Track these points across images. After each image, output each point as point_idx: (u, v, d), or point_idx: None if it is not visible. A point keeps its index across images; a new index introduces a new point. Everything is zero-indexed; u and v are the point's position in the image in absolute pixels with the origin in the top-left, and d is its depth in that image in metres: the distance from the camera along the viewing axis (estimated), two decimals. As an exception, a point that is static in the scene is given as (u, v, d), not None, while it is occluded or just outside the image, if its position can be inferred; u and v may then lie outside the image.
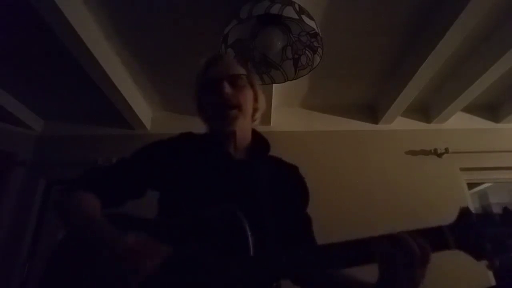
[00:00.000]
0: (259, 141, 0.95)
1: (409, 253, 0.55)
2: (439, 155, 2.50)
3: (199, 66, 0.94)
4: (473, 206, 2.51)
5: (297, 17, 1.41)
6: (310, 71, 1.72)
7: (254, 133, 0.96)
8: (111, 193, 0.83)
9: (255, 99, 0.93)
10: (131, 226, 0.74)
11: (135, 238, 0.63)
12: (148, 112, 2.69)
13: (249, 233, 0.66)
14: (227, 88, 0.84)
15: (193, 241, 0.68)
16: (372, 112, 2.73)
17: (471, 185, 2.74)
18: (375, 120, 2.70)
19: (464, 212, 0.58)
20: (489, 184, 3.89)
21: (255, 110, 0.94)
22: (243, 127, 0.90)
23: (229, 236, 0.67)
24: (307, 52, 1.69)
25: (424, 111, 2.71)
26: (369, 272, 0.63)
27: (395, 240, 0.58)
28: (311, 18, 1.49)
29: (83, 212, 0.75)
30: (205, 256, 0.64)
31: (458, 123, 2.65)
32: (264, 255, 0.64)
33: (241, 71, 0.90)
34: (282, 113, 2.64)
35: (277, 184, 0.87)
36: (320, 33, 1.53)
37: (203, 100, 0.92)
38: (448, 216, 0.59)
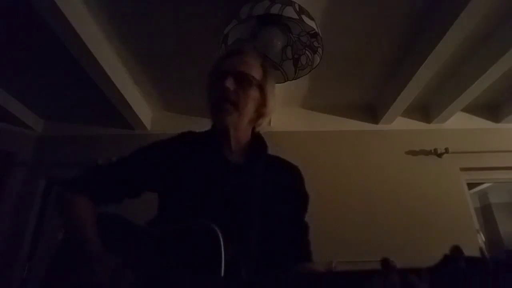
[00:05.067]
0: (258, 143, 0.94)
1: None
2: (439, 155, 2.50)
3: (220, 53, 0.94)
4: (473, 206, 2.50)
5: (297, 17, 1.41)
6: (310, 71, 1.72)
7: (254, 135, 0.94)
8: (108, 191, 0.84)
9: (264, 104, 0.90)
10: (117, 232, 0.78)
11: (108, 265, 0.65)
12: (148, 112, 2.69)
13: (223, 252, 0.64)
14: (229, 83, 0.84)
15: (170, 254, 0.68)
16: (372, 112, 2.73)
17: (471, 185, 2.74)
18: (375, 120, 2.70)
19: (452, 255, 0.48)
20: (489, 184, 3.90)
21: (260, 114, 0.91)
22: (239, 127, 0.88)
23: (204, 252, 0.65)
24: (307, 52, 1.69)
25: (424, 111, 2.71)
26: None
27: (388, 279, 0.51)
28: (311, 18, 1.49)
29: (75, 215, 0.77)
30: (177, 273, 0.64)
31: (458, 123, 2.65)
32: (234, 277, 0.63)
33: (254, 72, 0.88)
34: (282, 113, 2.64)
35: (273, 189, 0.85)
36: (320, 33, 1.53)
37: (209, 87, 0.91)
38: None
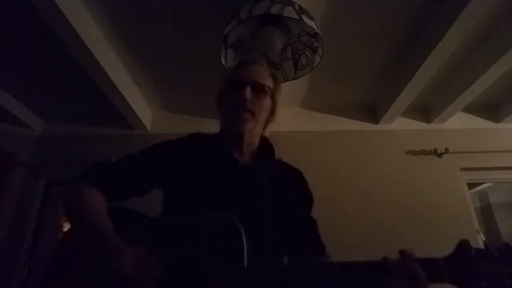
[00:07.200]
0: (265, 146, 0.98)
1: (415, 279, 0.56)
2: (439, 155, 2.50)
3: (234, 62, 1.01)
4: (473, 206, 2.50)
5: (297, 17, 1.41)
6: (310, 71, 1.72)
7: (262, 139, 0.99)
8: (116, 188, 0.84)
9: (272, 112, 0.97)
10: (133, 224, 0.77)
11: (134, 256, 0.64)
12: (148, 112, 2.69)
13: (245, 242, 0.66)
14: (248, 94, 0.89)
15: (190, 245, 0.69)
16: (372, 112, 2.73)
17: (471, 185, 2.74)
18: (375, 120, 2.70)
19: (463, 245, 0.57)
20: (489, 184, 3.89)
21: (268, 121, 0.98)
22: (252, 133, 0.93)
23: (225, 243, 0.67)
24: (307, 52, 1.69)
25: (424, 111, 2.71)
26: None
27: (402, 265, 0.58)
28: (311, 18, 1.49)
29: (88, 206, 0.75)
30: (200, 262, 0.65)
31: (458, 123, 2.65)
32: (257, 265, 0.64)
33: (267, 82, 0.94)
34: (282, 113, 2.62)
35: (281, 188, 0.88)
36: (320, 33, 1.53)
37: (224, 95, 0.95)
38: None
